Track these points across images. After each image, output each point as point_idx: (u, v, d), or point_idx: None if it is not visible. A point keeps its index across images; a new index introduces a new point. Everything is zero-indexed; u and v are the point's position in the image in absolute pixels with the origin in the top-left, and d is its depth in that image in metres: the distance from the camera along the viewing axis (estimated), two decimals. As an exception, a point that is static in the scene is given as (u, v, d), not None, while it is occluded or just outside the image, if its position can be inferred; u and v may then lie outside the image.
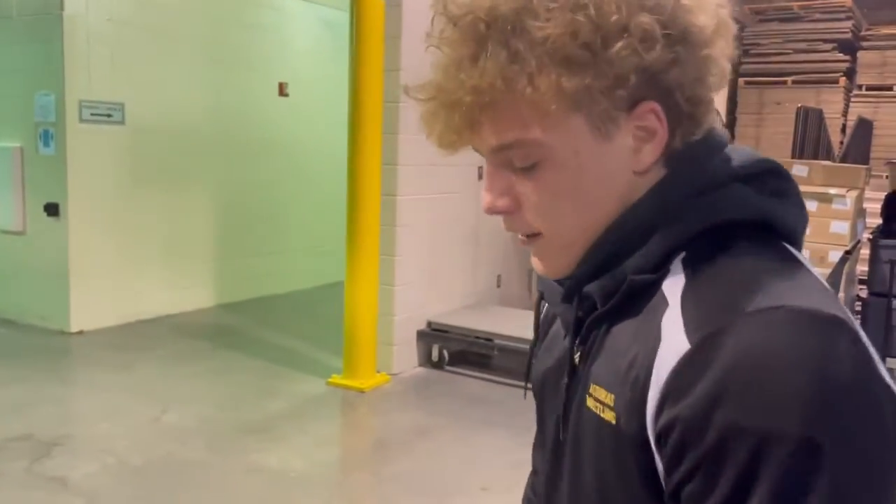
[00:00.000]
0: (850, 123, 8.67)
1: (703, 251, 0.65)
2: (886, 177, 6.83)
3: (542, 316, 0.90)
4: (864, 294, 5.51)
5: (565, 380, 0.74)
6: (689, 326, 0.60)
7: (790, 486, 0.53)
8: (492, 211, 0.71)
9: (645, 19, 0.62)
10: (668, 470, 0.60)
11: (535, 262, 0.74)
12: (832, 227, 4.49)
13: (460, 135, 0.68)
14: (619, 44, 0.62)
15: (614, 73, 0.63)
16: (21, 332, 5.60)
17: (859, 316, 5.40)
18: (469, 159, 5.33)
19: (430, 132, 0.69)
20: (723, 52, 0.67)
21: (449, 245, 5.34)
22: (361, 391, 4.58)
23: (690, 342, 0.59)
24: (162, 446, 3.72)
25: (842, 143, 8.52)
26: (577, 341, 0.73)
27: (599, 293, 0.69)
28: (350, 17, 4.48)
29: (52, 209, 5.53)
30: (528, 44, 0.62)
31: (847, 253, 4.11)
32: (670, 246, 0.66)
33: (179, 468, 3.50)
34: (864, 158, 8.00)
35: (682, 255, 0.66)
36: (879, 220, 5.46)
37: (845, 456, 0.53)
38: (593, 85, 0.63)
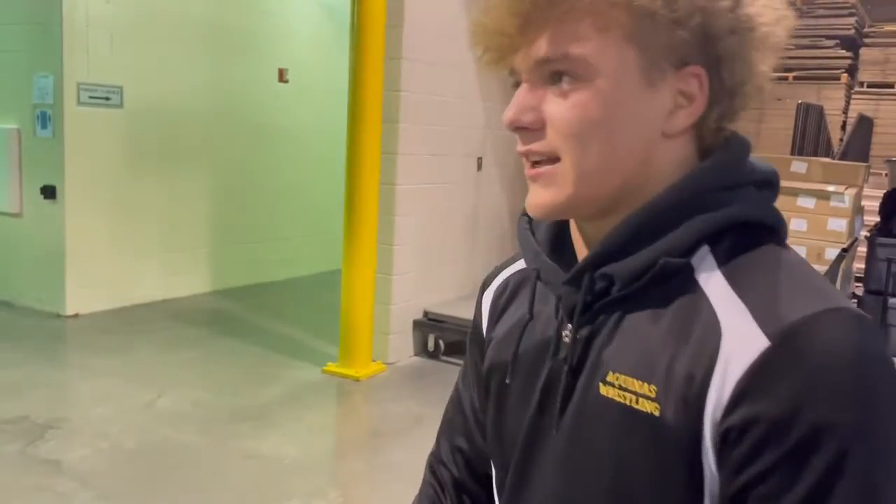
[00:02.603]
0: (851, 121, 8.66)
1: (732, 245, 0.66)
2: (886, 175, 6.83)
3: (487, 299, 0.89)
4: (860, 292, 5.51)
5: (565, 368, 0.71)
6: (764, 322, 0.60)
7: (874, 475, 0.58)
8: (515, 124, 0.68)
9: None
10: (737, 469, 0.60)
11: (536, 195, 0.70)
12: (830, 225, 4.49)
13: (513, 38, 0.66)
14: None
15: (681, 9, 0.63)
16: (17, 314, 5.60)
17: (855, 313, 5.40)
18: (468, 149, 5.27)
19: (483, 31, 0.68)
20: (768, 62, 0.68)
21: (446, 235, 5.34)
22: (357, 379, 4.58)
23: (769, 338, 0.59)
24: (156, 431, 3.72)
25: (842, 140, 8.51)
26: (574, 325, 0.71)
27: (624, 274, 0.67)
28: (351, 4, 4.45)
29: (48, 192, 5.51)
30: None
31: (844, 250, 4.11)
32: (703, 234, 0.66)
33: (173, 453, 3.51)
34: (863, 156, 7.99)
35: (707, 247, 0.67)
36: (877, 218, 5.46)
37: None
38: (658, 14, 0.63)
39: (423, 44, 4.72)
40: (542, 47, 0.65)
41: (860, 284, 5.52)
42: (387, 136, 4.63)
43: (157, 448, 3.54)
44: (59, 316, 5.56)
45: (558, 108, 0.66)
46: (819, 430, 0.57)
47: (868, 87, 9.21)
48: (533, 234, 0.79)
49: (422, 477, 1.02)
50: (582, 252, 0.74)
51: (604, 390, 0.68)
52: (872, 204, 5.74)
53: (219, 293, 6.61)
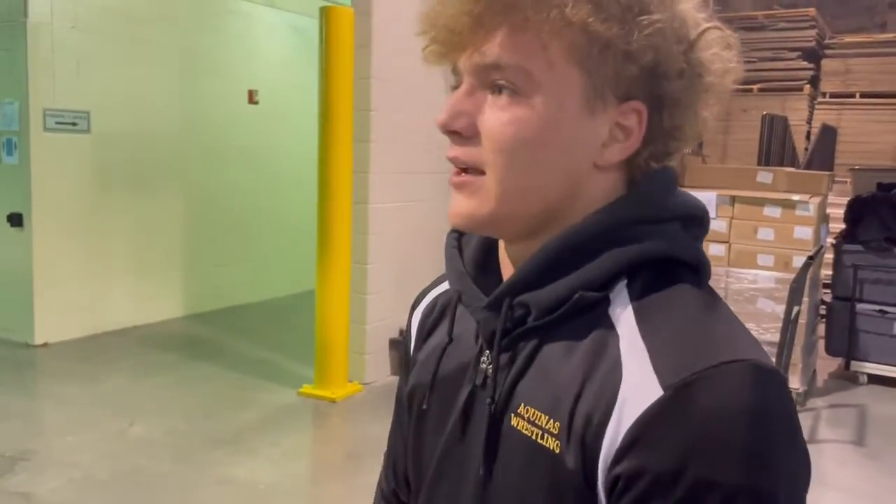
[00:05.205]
0: (815, 130, 8.83)
1: (647, 282, 0.65)
2: (850, 182, 6.97)
3: (416, 320, 0.87)
4: (828, 298, 5.60)
5: (487, 399, 0.70)
6: (661, 370, 0.59)
7: None
8: (447, 127, 0.66)
9: (682, 23, 0.65)
10: None
11: (457, 203, 0.69)
12: (796, 233, 4.57)
13: (462, 36, 0.64)
14: (655, 16, 0.63)
15: (636, 43, 0.63)
16: (-16, 344, 5.49)
17: (824, 319, 5.50)
18: (440, 166, 5.27)
19: (434, 24, 0.65)
20: (710, 109, 0.69)
21: (420, 252, 5.34)
22: (333, 401, 4.54)
23: (664, 389, 0.58)
24: (129, 460, 3.65)
25: (806, 149, 8.67)
26: (493, 353, 0.69)
27: (541, 304, 0.66)
28: (319, 26, 4.47)
29: (15, 219, 5.42)
30: None
31: (811, 258, 4.18)
32: (620, 267, 0.65)
33: (147, 482, 3.45)
34: (828, 165, 8.15)
35: (625, 280, 0.66)
36: (843, 226, 5.56)
37: (792, 499, 0.59)
38: (612, 43, 0.62)
39: (392, 63, 4.74)
40: (488, 53, 0.64)
41: (828, 291, 5.60)
42: (358, 155, 4.63)
43: (130, 477, 3.48)
44: (28, 345, 5.46)
45: (494, 120, 0.65)
46: (702, 487, 0.56)
47: (830, 97, 9.40)
48: (461, 252, 0.77)
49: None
50: (508, 276, 0.72)
51: (514, 422, 0.67)
52: (837, 212, 5.85)
53: (191, 317, 6.54)
